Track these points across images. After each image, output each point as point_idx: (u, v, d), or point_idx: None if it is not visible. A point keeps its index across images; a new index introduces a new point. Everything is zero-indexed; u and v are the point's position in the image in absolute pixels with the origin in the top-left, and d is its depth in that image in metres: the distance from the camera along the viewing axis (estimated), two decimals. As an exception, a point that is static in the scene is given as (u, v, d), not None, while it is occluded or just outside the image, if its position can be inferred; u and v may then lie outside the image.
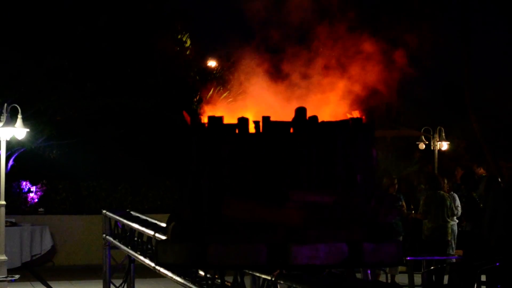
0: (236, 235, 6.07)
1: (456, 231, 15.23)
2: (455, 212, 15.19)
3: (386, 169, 21.92)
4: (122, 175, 21.80)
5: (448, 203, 14.37)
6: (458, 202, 15.25)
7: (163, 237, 8.44)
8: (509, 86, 35.83)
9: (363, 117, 6.51)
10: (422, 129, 23.12)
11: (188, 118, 6.69)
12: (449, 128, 25.13)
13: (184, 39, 21.73)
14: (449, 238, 14.39)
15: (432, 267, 13.35)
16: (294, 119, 6.29)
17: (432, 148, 22.44)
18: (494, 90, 36.57)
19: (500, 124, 34.10)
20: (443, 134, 22.59)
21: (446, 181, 15.50)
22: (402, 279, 15.27)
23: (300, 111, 6.32)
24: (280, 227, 5.96)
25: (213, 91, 22.76)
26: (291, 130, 6.30)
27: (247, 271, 6.77)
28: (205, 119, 6.50)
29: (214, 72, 23.81)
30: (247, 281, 7.30)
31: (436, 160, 22.00)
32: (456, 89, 35.15)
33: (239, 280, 7.37)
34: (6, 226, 15.52)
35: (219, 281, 7.87)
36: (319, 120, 6.38)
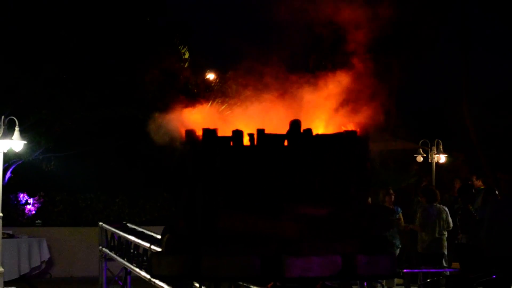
0: (230, 247, 6.06)
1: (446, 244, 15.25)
2: (449, 225, 15.21)
3: (383, 182, 21.92)
4: (119, 187, 21.78)
5: (444, 216, 14.39)
6: (448, 216, 15.28)
7: (159, 249, 8.44)
8: (508, 99, 35.88)
9: (358, 130, 6.52)
10: (420, 142, 23.11)
11: (182, 130, 6.70)
12: (448, 141, 25.13)
13: (182, 51, 21.78)
14: (444, 251, 14.40)
15: (428, 280, 13.33)
16: (288, 131, 6.31)
17: (429, 161, 22.42)
18: (493, 102, 36.64)
19: (498, 135, 34.14)
20: (441, 147, 22.58)
21: (438, 193, 15.51)
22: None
23: (295, 124, 6.33)
24: (274, 239, 5.97)
25: (211, 103, 22.87)
26: (286, 143, 6.31)
27: (241, 283, 6.77)
28: (199, 132, 6.51)
29: (213, 84, 23.85)
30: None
31: (433, 172, 21.99)
32: (455, 102, 35.20)
33: (233, 292, 7.39)
34: (3, 238, 15.51)
35: (214, 293, 7.87)
36: (314, 133, 6.39)
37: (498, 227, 12.81)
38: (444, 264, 15.51)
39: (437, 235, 14.15)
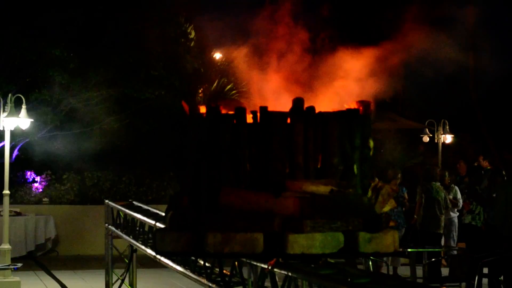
0: (234, 224, 6.11)
1: (457, 223, 15.28)
2: (458, 204, 15.24)
3: (390, 161, 21.96)
4: (126, 166, 21.86)
5: (443, 195, 14.41)
6: (459, 195, 15.29)
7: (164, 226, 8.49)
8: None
9: (361, 107, 6.54)
10: (426, 122, 23.11)
11: (186, 108, 6.73)
12: (454, 121, 25.10)
13: (188, 30, 21.77)
14: (440, 231, 14.44)
15: (433, 259, 13.39)
16: (291, 109, 6.34)
17: (436, 141, 22.44)
18: (500, 83, 36.51)
19: (505, 117, 34.06)
20: (447, 127, 22.58)
21: (447, 174, 15.54)
22: (404, 270, 15.30)
23: (297, 102, 6.36)
24: (277, 216, 6.01)
25: (217, 83, 22.89)
26: (288, 120, 6.34)
27: (244, 259, 6.82)
28: (203, 109, 6.55)
29: (219, 64, 23.84)
30: (245, 270, 7.35)
31: (440, 153, 22.01)
32: (462, 83, 35.12)
33: (237, 269, 7.44)
34: (10, 215, 15.62)
35: (218, 270, 7.93)
36: (317, 111, 6.42)
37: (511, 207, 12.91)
38: (452, 244, 15.57)
39: (432, 214, 14.21)
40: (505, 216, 13.01)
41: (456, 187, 15.54)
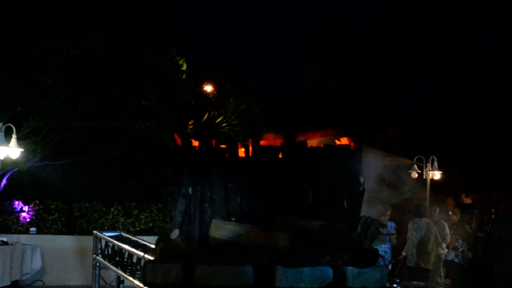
0: (223, 256, 6.14)
1: (443, 259, 15.34)
2: (446, 239, 15.29)
3: (377, 197, 21.98)
4: (114, 197, 21.83)
5: (433, 231, 14.48)
6: (447, 230, 15.36)
7: (153, 258, 8.50)
8: (504, 116, 36.02)
9: (352, 143, 6.62)
10: (415, 158, 23.22)
11: (179, 141, 6.79)
12: (443, 157, 25.23)
13: (180, 62, 21.89)
14: (430, 267, 14.48)
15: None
16: (283, 143, 6.40)
17: (424, 177, 22.53)
18: (490, 120, 36.75)
19: (495, 155, 34.26)
20: (436, 164, 22.69)
21: (438, 210, 15.62)
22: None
23: (290, 137, 6.43)
24: (266, 250, 6.04)
25: (208, 115, 22.98)
26: (280, 155, 6.40)
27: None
28: (195, 142, 6.60)
29: (210, 96, 23.95)
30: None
31: (428, 189, 22.09)
32: (452, 120, 35.37)
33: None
34: (-3, 244, 15.58)
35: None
36: (308, 146, 6.49)
37: (504, 245, 12.98)
38: (439, 280, 15.59)
39: (423, 250, 14.26)
40: (496, 254, 13.07)
41: (445, 223, 15.62)
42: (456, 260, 14.05)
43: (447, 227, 15.49)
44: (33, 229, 20.76)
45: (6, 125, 14.39)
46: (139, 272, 9.98)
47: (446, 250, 15.31)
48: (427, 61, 35.91)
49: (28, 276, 19.15)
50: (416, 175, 22.76)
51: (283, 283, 5.98)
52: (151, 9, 21.54)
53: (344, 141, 6.60)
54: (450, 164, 28.81)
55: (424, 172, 22.54)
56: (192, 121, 22.82)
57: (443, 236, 15.28)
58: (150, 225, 21.63)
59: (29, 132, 18.49)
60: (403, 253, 14.69)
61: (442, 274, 15.72)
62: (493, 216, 15.39)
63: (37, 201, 21.07)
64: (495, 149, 34.82)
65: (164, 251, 6.46)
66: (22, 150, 14.85)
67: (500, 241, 12.91)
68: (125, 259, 10.89)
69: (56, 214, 21.18)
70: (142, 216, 21.75)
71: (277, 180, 6.33)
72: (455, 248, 14.19)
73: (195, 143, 6.56)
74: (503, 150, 34.47)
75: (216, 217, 6.33)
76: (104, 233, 12.44)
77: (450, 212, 17.11)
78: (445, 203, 18.14)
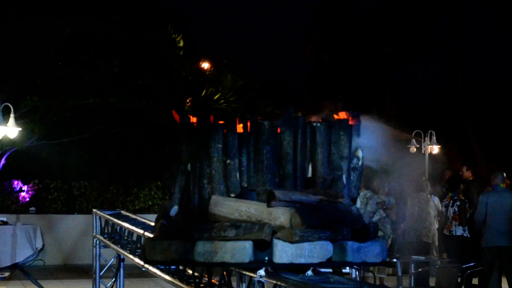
0: (223, 233, 6.13)
1: (437, 234, 15.39)
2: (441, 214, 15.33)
3: (377, 172, 21.99)
4: (113, 175, 21.85)
5: (432, 205, 14.53)
6: (439, 205, 15.39)
7: (152, 236, 8.50)
8: (502, 90, 35.99)
9: (350, 118, 6.59)
10: (413, 133, 23.23)
11: (177, 117, 6.76)
12: (441, 131, 25.23)
13: (177, 39, 21.82)
14: (430, 241, 14.52)
15: (419, 269, 13.45)
16: (280, 118, 6.38)
17: (423, 152, 22.55)
18: (488, 94, 36.73)
19: (492, 126, 34.28)
20: (434, 138, 22.71)
21: (429, 184, 15.62)
22: (391, 281, 15.36)
23: (288, 112, 6.40)
24: (266, 225, 6.03)
25: (205, 92, 22.94)
26: (278, 130, 6.38)
27: (233, 269, 6.85)
28: (193, 119, 6.57)
29: (207, 73, 23.90)
30: (234, 279, 7.38)
31: (427, 163, 22.12)
32: (449, 93, 35.34)
33: (226, 278, 7.46)
34: (-3, 224, 15.60)
35: (206, 279, 7.95)
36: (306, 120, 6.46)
37: (490, 218, 12.99)
38: (435, 254, 15.63)
39: (421, 224, 14.29)
40: (484, 227, 13.10)
41: (437, 198, 15.66)
42: (465, 235, 14.05)
43: (437, 202, 15.54)
44: (32, 208, 20.79)
45: (4, 104, 14.35)
46: (139, 250, 9.98)
47: (437, 224, 15.36)
48: (424, 35, 35.84)
49: (30, 257, 19.21)
50: (415, 149, 22.79)
51: (283, 258, 5.98)
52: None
53: (342, 115, 6.57)
54: (448, 139, 28.82)
55: (423, 147, 22.56)
56: (190, 98, 22.78)
57: (438, 210, 15.33)
58: (150, 203, 21.66)
59: (27, 112, 18.45)
60: (403, 226, 14.71)
61: (437, 248, 15.79)
62: (478, 188, 15.44)
63: (36, 181, 21.08)
64: (493, 123, 34.82)
65: (163, 228, 6.45)
66: (20, 129, 14.84)
67: (486, 215, 12.95)
68: (125, 237, 10.89)
69: (55, 193, 21.21)
70: (142, 194, 21.78)
71: (275, 155, 6.31)
72: (461, 223, 14.21)
73: (193, 120, 6.54)
74: (501, 124, 34.48)
75: (215, 193, 6.32)
76: (103, 212, 12.42)
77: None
78: (443, 177, 18.16)
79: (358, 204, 6.51)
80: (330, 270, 7.03)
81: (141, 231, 9.72)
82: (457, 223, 13.96)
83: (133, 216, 11.58)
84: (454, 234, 14.03)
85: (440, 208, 15.14)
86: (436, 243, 15.84)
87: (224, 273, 7.45)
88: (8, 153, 19.48)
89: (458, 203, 14.00)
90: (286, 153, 6.31)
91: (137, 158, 22.20)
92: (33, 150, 20.16)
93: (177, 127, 6.66)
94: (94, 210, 12.83)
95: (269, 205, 6.14)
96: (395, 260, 12.71)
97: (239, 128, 6.43)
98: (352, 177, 6.53)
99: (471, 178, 16.83)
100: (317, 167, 6.36)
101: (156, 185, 21.67)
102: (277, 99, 24.67)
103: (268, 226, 6.03)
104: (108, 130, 20.26)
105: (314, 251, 6.01)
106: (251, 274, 6.38)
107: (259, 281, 6.35)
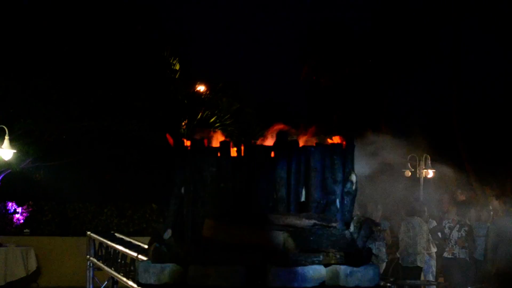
0: (216, 256, 6.13)
1: (435, 258, 15.36)
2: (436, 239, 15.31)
3: (371, 196, 21.98)
4: (108, 198, 21.79)
5: (425, 230, 14.49)
6: (435, 229, 15.39)
7: (146, 259, 8.48)
8: (497, 112, 36.06)
9: (344, 142, 6.60)
10: (408, 157, 23.22)
11: (171, 141, 6.77)
12: (436, 156, 25.24)
13: (173, 62, 21.85)
14: (422, 266, 14.48)
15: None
16: (275, 142, 6.39)
17: (418, 176, 22.53)
18: (482, 118, 36.79)
19: (487, 151, 34.28)
20: (429, 162, 22.71)
21: (426, 209, 15.61)
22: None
23: (281, 135, 6.42)
24: (259, 249, 6.03)
25: (201, 115, 22.95)
26: (272, 154, 6.38)
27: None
28: (188, 142, 6.58)
29: (203, 96, 23.91)
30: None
31: (421, 187, 22.08)
32: (444, 117, 35.38)
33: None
34: (-10, 246, 15.54)
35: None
36: (300, 145, 6.48)
37: (503, 244, 13.04)
38: (431, 278, 15.60)
39: (414, 249, 14.26)
40: (494, 252, 13.14)
41: (434, 221, 15.64)
42: (468, 259, 14.06)
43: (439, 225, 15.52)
44: (26, 230, 20.72)
45: (-1, 126, 14.35)
46: (132, 273, 9.95)
47: (436, 249, 15.33)
48: (420, 58, 35.96)
49: (24, 279, 19.11)
50: (410, 173, 22.77)
51: (276, 283, 5.98)
52: (143, 10, 21.50)
53: (336, 139, 6.58)
54: (444, 162, 28.81)
55: (417, 171, 22.56)
56: (185, 121, 22.77)
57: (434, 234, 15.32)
58: (144, 225, 21.59)
59: (22, 134, 18.43)
60: (397, 254, 14.69)
61: (434, 273, 15.74)
62: (491, 213, 15.41)
63: (30, 203, 21.02)
64: (488, 146, 34.84)
65: (157, 251, 6.44)
66: (15, 151, 14.80)
67: (499, 240, 12.99)
68: (119, 260, 10.86)
69: (50, 215, 21.13)
70: (136, 217, 21.71)
71: (269, 179, 6.32)
72: (464, 247, 14.20)
73: (187, 143, 6.55)
74: (496, 146, 34.49)
75: (209, 217, 6.32)
76: (98, 234, 12.40)
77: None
78: (440, 201, 18.15)
79: (352, 228, 6.51)
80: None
81: (135, 254, 9.69)
82: (460, 247, 13.99)
83: (127, 239, 11.55)
84: (457, 256, 14.04)
85: (439, 233, 15.14)
86: (433, 268, 15.80)
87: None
88: (2, 175, 19.43)
89: (465, 228, 14.06)
90: (280, 177, 6.32)
91: (131, 180, 22.15)
92: (27, 172, 20.11)
93: (171, 151, 6.67)
94: (88, 232, 12.81)
95: (262, 229, 6.14)
96: (389, 284, 12.67)
97: (233, 152, 6.44)
98: (345, 202, 6.54)
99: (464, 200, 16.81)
100: (310, 191, 6.37)
101: (151, 207, 21.60)
102: (273, 121, 24.64)
103: (261, 250, 6.02)
104: (103, 152, 20.23)
105: (307, 275, 6.01)
106: (245, 298, 6.37)
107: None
